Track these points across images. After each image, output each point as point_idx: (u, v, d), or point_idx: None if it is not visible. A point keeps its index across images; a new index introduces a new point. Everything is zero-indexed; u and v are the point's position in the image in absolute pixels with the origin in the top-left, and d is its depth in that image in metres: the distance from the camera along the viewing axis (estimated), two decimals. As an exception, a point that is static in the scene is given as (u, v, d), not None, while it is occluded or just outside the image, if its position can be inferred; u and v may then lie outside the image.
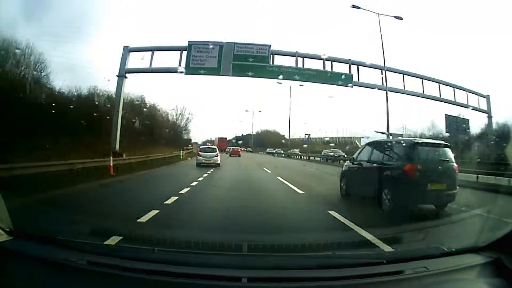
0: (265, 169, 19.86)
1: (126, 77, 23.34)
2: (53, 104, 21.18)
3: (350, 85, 23.56)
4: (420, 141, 8.19)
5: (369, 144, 9.53)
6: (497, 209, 6.31)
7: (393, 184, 7.26)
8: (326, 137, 53.97)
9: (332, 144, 45.93)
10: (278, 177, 14.21)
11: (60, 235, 2.49)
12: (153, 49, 22.93)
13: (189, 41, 22.87)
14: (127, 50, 23.16)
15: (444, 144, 8.05)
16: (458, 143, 26.16)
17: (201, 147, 25.54)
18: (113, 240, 3.81)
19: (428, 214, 7.25)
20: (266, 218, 6.41)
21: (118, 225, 4.90)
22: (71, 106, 22.57)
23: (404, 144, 7.89)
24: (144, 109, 36.42)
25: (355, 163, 9.29)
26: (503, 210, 6.02)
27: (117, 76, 23.31)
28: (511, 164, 10.31)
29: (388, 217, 6.82)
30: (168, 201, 7.50)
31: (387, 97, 22.84)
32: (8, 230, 2.33)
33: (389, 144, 8.59)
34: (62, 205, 7.17)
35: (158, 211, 6.21)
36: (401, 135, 43.84)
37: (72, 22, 41.94)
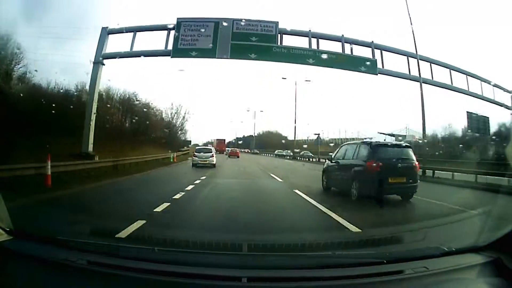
0: (273, 175, 15.41)
1: (104, 64, 19.36)
2: (21, 96, 19.02)
3: (374, 72, 19.71)
4: (381, 143, 10.04)
5: (343, 145, 11.03)
6: (497, 209, 6.30)
7: (360, 178, 8.58)
8: (327, 138, 53.19)
9: (331, 144, 45.27)
10: (295, 190, 9.82)
11: (60, 235, 2.49)
12: (135, 30, 19.05)
13: (178, 18, 18.99)
14: (106, 32, 19.17)
15: (405, 145, 9.77)
16: (475, 143, 25.22)
17: (196, 148, 25.49)
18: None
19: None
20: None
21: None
22: (44, 102, 19.14)
23: (368, 145, 9.20)
24: (137, 108, 32.99)
25: (332, 161, 10.60)
26: (503, 210, 6.02)
27: (92, 62, 18.93)
28: (510, 164, 10.35)
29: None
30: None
31: (421, 89, 19.33)
32: (8, 230, 2.34)
33: (357, 145, 9.80)
34: None
35: None
36: (404, 137, 43.11)
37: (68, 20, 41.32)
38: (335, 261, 2.43)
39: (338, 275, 2.07)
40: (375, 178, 8.14)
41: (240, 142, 68.27)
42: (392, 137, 45.77)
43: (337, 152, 10.68)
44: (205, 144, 41.72)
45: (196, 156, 21.57)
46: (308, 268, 2.19)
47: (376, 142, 10.01)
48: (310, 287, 2.04)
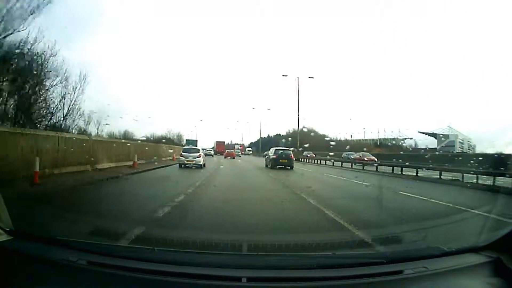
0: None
1: None
2: None
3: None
4: (279, 148, 25.48)
5: (271, 149, 25.48)
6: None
7: (271, 160, 23.49)
8: (362, 138, 47.35)
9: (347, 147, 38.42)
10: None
11: (60, 235, 2.49)
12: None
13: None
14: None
15: (288, 149, 25.42)
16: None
17: (183, 147, 24.19)
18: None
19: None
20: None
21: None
22: None
23: (275, 149, 24.61)
24: None
25: (267, 155, 25.71)
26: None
27: None
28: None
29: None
30: None
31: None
32: (8, 230, 2.34)
33: (272, 149, 24.91)
34: None
35: None
36: (447, 136, 40.86)
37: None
38: (335, 261, 2.42)
39: (338, 275, 2.07)
40: (275, 160, 22.96)
41: (244, 143, 65.66)
42: (433, 137, 43.02)
43: (269, 152, 25.43)
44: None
45: (182, 156, 21.04)
46: (308, 268, 2.19)
47: (277, 148, 25.21)
48: (310, 287, 2.04)
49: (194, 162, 20.47)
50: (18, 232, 2.38)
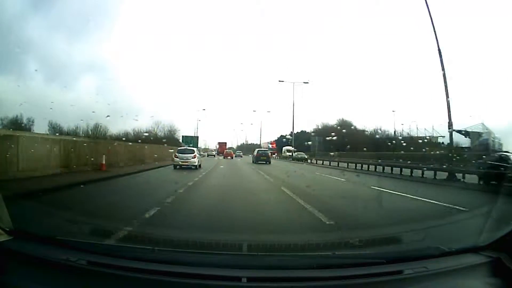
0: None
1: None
2: None
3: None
4: (261, 149, 37.21)
5: (256, 149, 36.89)
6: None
7: (255, 157, 33.39)
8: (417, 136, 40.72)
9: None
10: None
11: (60, 235, 2.49)
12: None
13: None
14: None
15: (268, 150, 38.86)
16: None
17: (178, 148, 23.07)
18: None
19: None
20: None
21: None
22: None
23: (257, 150, 35.68)
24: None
25: (252, 154, 36.74)
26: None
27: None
28: None
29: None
30: None
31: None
32: (8, 230, 2.33)
33: (256, 149, 36.31)
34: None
35: None
36: (481, 134, 39.54)
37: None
38: (335, 261, 2.42)
39: (338, 275, 2.07)
40: (257, 157, 32.49)
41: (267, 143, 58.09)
42: (464, 136, 41.24)
43: (255, 151, 35.26)
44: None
45: (177, 157, 20.36)
46: (308, 268, 2.19)
47: (259, 149, 35.90)
48: (310, 287, 2.04)
49: (189, 163, 19.83)
50: (18, 232, 2.38)
